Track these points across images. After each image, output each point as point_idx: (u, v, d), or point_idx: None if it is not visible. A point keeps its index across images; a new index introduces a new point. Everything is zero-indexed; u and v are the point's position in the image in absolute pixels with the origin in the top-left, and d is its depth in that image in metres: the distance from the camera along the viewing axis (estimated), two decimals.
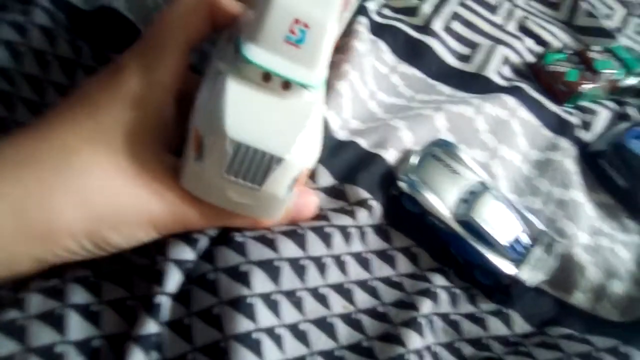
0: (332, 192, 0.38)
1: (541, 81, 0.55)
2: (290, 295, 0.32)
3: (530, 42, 0.59)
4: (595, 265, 0.41)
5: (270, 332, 0.29)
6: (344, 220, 0.36)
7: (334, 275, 0.35)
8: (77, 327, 0.27)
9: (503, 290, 0.38)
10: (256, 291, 0.29)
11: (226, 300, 0.29)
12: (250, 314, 0.28)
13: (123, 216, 0.25)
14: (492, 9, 0.60)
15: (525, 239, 0.39)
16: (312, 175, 0.37)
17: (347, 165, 0.39)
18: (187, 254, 0.29)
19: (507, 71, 0.55)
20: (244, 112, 0.24)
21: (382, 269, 0.37)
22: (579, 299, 0.40)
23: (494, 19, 0.60)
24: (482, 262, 0.37)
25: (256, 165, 0.24)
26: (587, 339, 0.35)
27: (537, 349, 0.35)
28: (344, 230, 0.35)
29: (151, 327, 0.27)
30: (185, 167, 0.26)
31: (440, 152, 0.40)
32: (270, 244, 0.31)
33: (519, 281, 0.37)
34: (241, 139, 0.23)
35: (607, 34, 0.63)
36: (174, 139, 0.28)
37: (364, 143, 0.40)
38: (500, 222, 0.38)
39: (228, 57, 0.25)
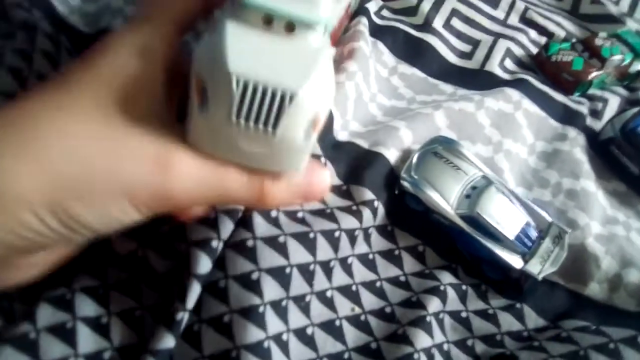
0: (339, 192, 0.38)
1: (546, 72, 0.54)
2: (299, 300, 0.32)
3: (534, 34, 0.59)
4: (609, 255, 0.40)
5: (277, 338, 0.30)
6: (352, 222, 0.36)
7: (340, 278, 0.35)
8: (88, 340, 0.28)
9: (514, 285, 0.38)
10: (267, 299, 0.29)
11: (237, 309, 0.29)
12: (261, 323, 0.29)
13: (90, 182, 0.22)
14: (493, 3, 0.60)
15: (533, 232, 0.38)
16: None
17: (350, 164, 0.39)
18: (207, 265, 0.29)
19: (510, 64, 0.55)
20: (247, 51, 0.22)
21: (388, 270, 0.37)
22: (594, 289, 0.39)
23: (495, 13, 0.59)
24: (490, 256, 0.37)
25: (267, 106, 0.22)
26: (603, 331, 0.35)
27: (550, 343, 0.34)
28: (351, 233, 0.35)
29: (169, 341, 0.27)
30: (191, 122, 0.24)
31: (441, 149, 0.40)
32: (281, 249, 0.31)
33: (529, 274, 0.36)
34: (248, 76, 0.21)
35: (614, 19, 0.62)
36: (165, 112, 0.25)
37: (363, 143, 0.40)
38: (506, 216, 0.37)
39: (226, 8, 0.24)
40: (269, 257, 0.30)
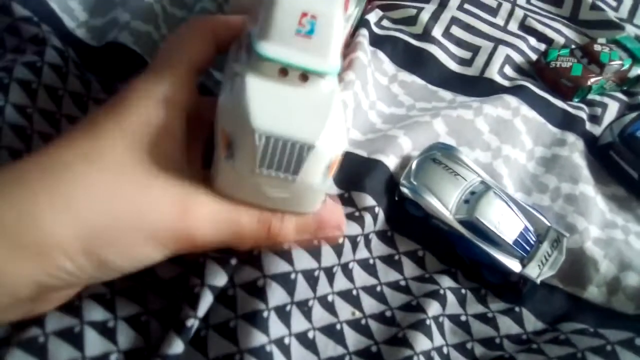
0: (341, 200, 0.38)
1: (545, 78, 0.55)
2: (302, 305, 0.33)
3: (533, 41, 0.59)
4: (608, 259, 0.41)
5: (279, 342, 0.30)
6: (355, 228, 0.36)
7: (341, 282, 0.36)
8: (95, 344, 0.29)
9: (513, 289, 0.38)
10: (272, 305, 0.30)
11: (242, 314, 0.30)
12: (264, 328, 0.29)
13: (121, 231, 0.24)
14: (492, 10, 0.61)
15: (532, 236, 0.39)
16: None
17: (349, 173, 0.40)
18: (224, 279, 0.30)
19: (509, 71, 0.55)
20: (267, 105, 0.24)
21: (388, 274, 0.38)
22: (593, 293, 0.39)
23: (494, 20, 0.60)
24: (489, 261, 0.38)
25: (288, 156, 0.24)
26: (600, 333, 0.35)
27: (548, 345, 0.35)
28: (353, 239, 0.36)
29: (179, 347, 0.28)
30: (217, 170, 0.26)
31: (439, 155, 0.41)
32: (286, 256, 0.32)
33: (528, 278, 0.37)
34: (269, 130, 0.23)
35: (614, 25, 0.63)
36: (185, 158, 0.28)
37: (362, 152, 0.41)
38: (504, 220, 0.38)
39: (243, 60, 0.26)
40: (274, 264, 0.31)
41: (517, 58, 0.56)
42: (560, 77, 0.54)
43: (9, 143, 0.35)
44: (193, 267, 0.31)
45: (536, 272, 0.37)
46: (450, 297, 0.37)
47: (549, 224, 0.40)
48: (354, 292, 0.36)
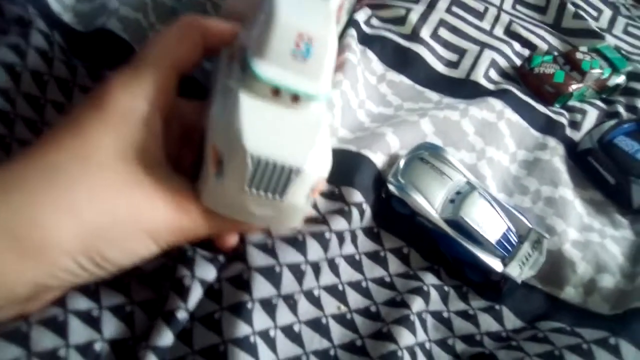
0: (331, 196, 0.39)
1: (529, 84, 0.56)
2: (288, 298, 0.33)
3: (517, 46, 0.61)
4: (585, 261, 0.42)
5: (264, 334, 0.30)
6: (342, 223, 0.37)
7: (327, 277, 0.36)
8: (79, 332, 0.28)
9: (493, 287, 0.39)
10: (256, 297, 0.30)
11: (227, 306, 0.30)
12: (248, 319, 0.30)
13: (119, 229, 0.25)
14: (479, 14, 0.62)
15: (514, 237, 0.39)
16: None
17: (339, 167, 0.40)
18: (211, 274, 0.30)
19: (494, 75, 0.56)
20: (259, 127, 0.25)
21: (374, 270, 0.38)
22: (570, 293, 0.41)
23: (481, 24, 0.61)
24: (471, 259, 0.38)
25: (276, 178, 0.25)
26: (577, 332, 0.36)
27: (527, 343, 0.36)
28: (340, 234, 0.36)
29: (169, 338, 0.28)
30: (206, 185, 0.26)
31: (427, 154, 0.42)
32: (270, 251, 0.32)
33: (509, 277, 0.38)
34: (261, 154, 0.24)
35: (595, 34, 0.65)
36: (164, 155, 0.28)
37: (352, 148, 0.41)
38: (488, 221, 0.39)
39: (236, 74, 0.26)
40: (258, 257, 0.32)
41: (502, 62, 0.58)
42: (543, 83, 0.55)
43: None
44: (177, 258, 0.31)
45: (517, 271, 0.38)
46: (434, 294, 0.37)
47: (530, 226, 0.41)
48: (340, 287, 0.36)
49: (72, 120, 0.26)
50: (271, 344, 0.31)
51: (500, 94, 0.52)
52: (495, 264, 0.38)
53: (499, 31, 0.62)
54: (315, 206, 0.37)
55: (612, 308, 0.40)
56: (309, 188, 0.26)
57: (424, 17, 0.58)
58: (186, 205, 0.27)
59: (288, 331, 0.32)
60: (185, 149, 0.32)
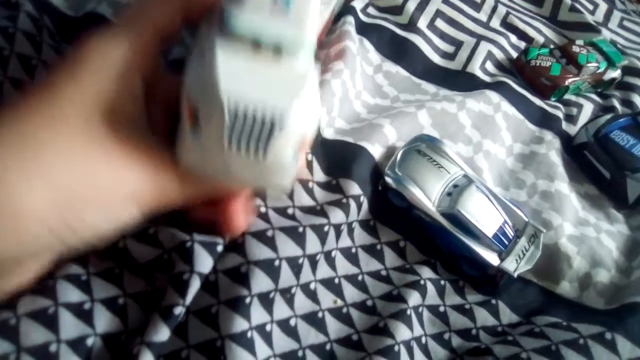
0: (329, 187, 0.38)
1: (525, 76, 0.56)
2: (285, 292, 0.32)
3: (514, 38, 0.60)
4: (580, 255, 0.42)
5: (261, 329, 0.30)
6: (340, 215, 0.36)
7: (324, 270, 0.36)
8: (70, 326, 0.27)
9: (490, 281, 0.39)
10: (255, 291, 0.30)
11: (224, 300, 0.29)
12: (246, 314, 0.29)
13: (95, 192, 0.23)
14: (476, 5, 0.61)
15: (510, 231, 0.39)
16: (310, 168, 0.38)
17: (336, 159, 0.39)
18: (209, 265, 0.29)
19: (491, 67, 0.56)
20: (237, 76, 0.23)
21: (370, 264, 0.38)
22: (565, 288, 0.41)
23: (478, 16, 0.60)
24: (468, 253, 0.38)
25: (257, 131, 0.23)
26: (573, 327, 0.36)
27: (523, 337, 0.35)
28: (337, 227, 0.36)
29: (165, 334, 0.27)
30: (183, 144, 0.25)
31: (424, 147, 0.41)
32: (269, 243, 0.32)
33: (505, 272, 0.37)
34: (238, 101, 0.22)
35: (591, 28, 0.64)
36: (145, 119, 0.27)
37: (349, 139, 0.41)
38: (485, 214, 0.38)
39: (214, 33, 0.25)
40: (257, 250, 0.31)
41: (499, 54, 0.57)
42: (539, 76, 0.55)
43: None
44: (174, 249, 0.30)
45: (513, 266, 0.38)
46: (430, 288, 0.37)
47: (527, 220, 0.41)
48: (336, 280, 0.36)
49: (45, 86, 0.24)
50: (267, 338, 0.30)
51: (497, 86, 0.52)
52: (492, 258, 0.38)
53: (495, 23, 0.61)
54: (312, 196, 0.37)
55: (607, 303, 0.40)
56: (294, 142, 0.24)
57: (421, 7, 0.57)
58: (166, 167, 0.25)
59: (284, 325, 0.32)
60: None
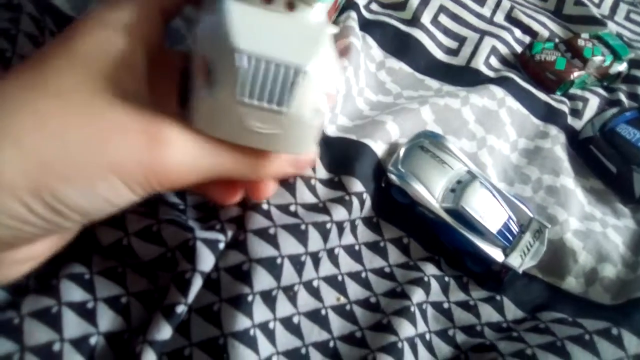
0: (331, 185, 0.38)
1: (529, 71, 0.55)
2: (288, 290, 0.32)
3: (518, 33, 0.60)
4: (586, 250, 0.41)
5: (264, 326, 0.30)
6: (342, 213, 0.36)
7: (327, 268, 0.35)
8: (74, 325, 0.28)
9: (494, 277, 0.39)
10: (257, 289, 0.30)
11: (226, 298, 0.29)
12: (248, 312, 0.29)
13: (76, 164, 0.21)
14: (480, 0, 0.60)
15: (514, 226, 0.39)
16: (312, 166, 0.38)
17: (339, 156, 0.39)
18: (211, 262, 0.29)
19: (495, 62, 0.56)
20: (250, 27, 0.21)
21: (373, 261, 0.38)
22: (571, 283, 0.40)
23: (481, 11, 0.60)
24: (472, 249, 0.38)
25: (274, 82, 0.21)
26: (579, 322, 0.36)
27: (528, 333, 0.35)
28: (340, 224, 0.36)
29: (167, 333, 0.27)
30: (196, 102, 0.23)
31: (427, 143, 0.41)
32: (272, 240, 0.31)
33: (509, 268, 0.37)
34: (252, 50, 0.21)
35: (597, 21, 0.64)
36: (146, 89, 0.25)
37: (352, 137, 0.41)
38: (489, 210, 0.38)
39: None
40: (259, 248, 0.31)
41: (503, 49, 0.57)
42: (544, 70, 0.54)
43: None
44: (177, 247, 0.30)
45: (518, 262, 0.38)
46: (434, 285, 0.37)
47: (531, 215, 0.40)
48: (339, 277, 0.36)
49: (37, 53, 0.23)
50: (270, 336, 0.30)
51: (501, 82, 0.52)
52: (496, 254, 0.38)
53: (499, 17, 0.61)
54: (315, 193, 0.37)
55: (614, 298, 0.39)
56: (316, 97, 0.22)
57: (424, 2, 0.57)
58: (170, 141, 0.22)
59: (287, 323, 0.32)
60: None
